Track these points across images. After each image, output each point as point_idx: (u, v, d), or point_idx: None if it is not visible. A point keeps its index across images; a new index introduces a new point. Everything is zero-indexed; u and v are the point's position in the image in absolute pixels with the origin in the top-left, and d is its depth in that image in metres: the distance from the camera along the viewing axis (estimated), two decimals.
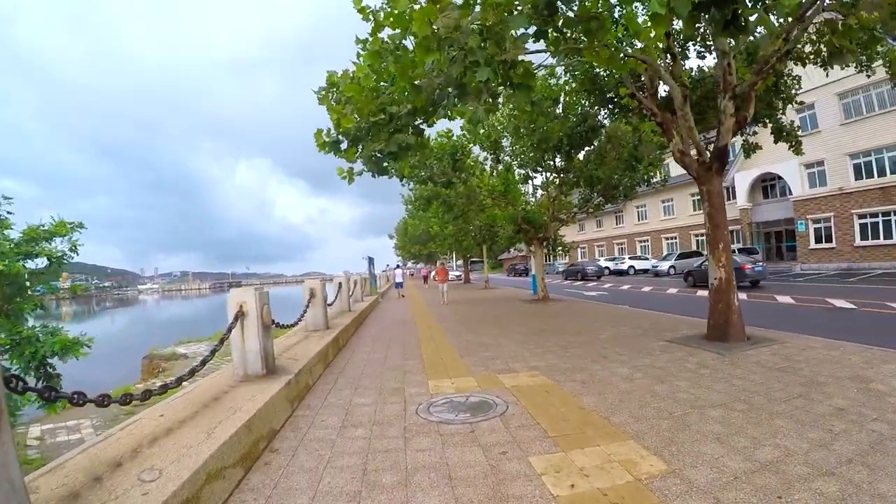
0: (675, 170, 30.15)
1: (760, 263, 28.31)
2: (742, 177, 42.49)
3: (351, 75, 8.81)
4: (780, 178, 39.74)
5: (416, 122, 8.85)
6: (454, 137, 21.73)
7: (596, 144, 20.32)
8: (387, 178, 12.84)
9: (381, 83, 8.65)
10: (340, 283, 16.95)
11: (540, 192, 26.91)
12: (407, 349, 11.72)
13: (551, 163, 22.10)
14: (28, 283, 11.32)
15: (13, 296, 10.82)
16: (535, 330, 13.63)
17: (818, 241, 36.68)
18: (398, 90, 8.09)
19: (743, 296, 12.33)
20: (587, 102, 16.47)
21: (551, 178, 23.93)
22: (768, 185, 42.32)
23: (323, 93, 9.30)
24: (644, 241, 59.35)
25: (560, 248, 27.89)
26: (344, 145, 9.23)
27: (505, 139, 22.16)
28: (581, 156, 21.70)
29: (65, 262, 12.17)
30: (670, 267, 41.63)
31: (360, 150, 9.15)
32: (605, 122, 18.63)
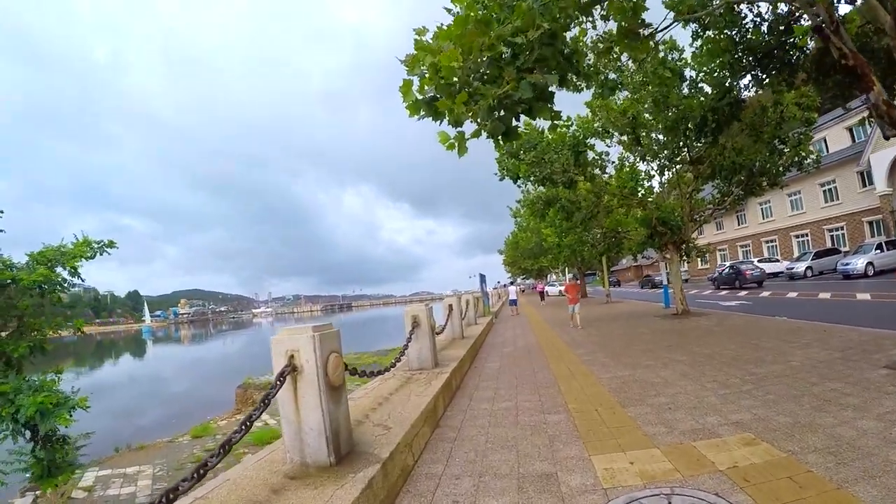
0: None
1: None
2: (879, 158, 36.86)
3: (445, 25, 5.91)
4: None
5: (563, 50, 5.94)
6: (573, 127, 18.83)
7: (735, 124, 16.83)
8: (507, 183, 10.06)
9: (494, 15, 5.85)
10: (451, 306, 14.39)
11: (663, 186, 23.50)
12: (543, 392, 8.86)
13: (685, 151, 19.20)
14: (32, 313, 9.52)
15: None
16: (699, 357, 10.64)
17: None
18: (522, 15, 5.26)
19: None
20: (726, 70, 12.94)
21: (684, 170, 20.61)
22: None
23: (411, 57, 6.30)
24: (771, 241, 53.32)
25: (695, 252, 24.37)
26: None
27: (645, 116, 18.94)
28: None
29: (67, 288, 11.00)
30: (807, 268, 36.96)
31: (475, 103, 5.85)
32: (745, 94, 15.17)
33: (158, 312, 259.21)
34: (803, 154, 19.27)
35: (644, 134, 19.50)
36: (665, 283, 27.65)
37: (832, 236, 44.81)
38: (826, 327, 12.73)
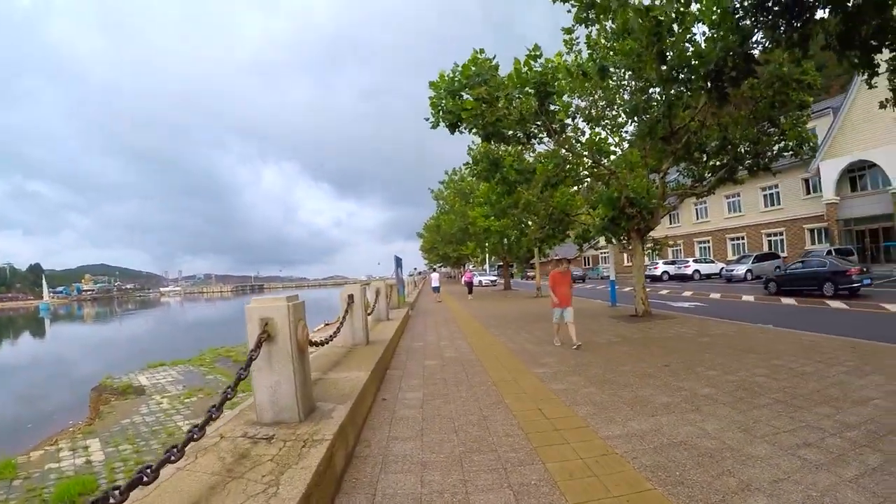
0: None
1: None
2: (828, 166, 36.35)
3: None
4: (872, 166, 34.40)
5: None
6: (542, 59, 14.25)
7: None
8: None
9: None
10: (351, 297, 9.76)
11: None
12: (519, 482, 4.67)
13: (665, 119, 14.93)
14: None
15: None
16: (727, 386, 7.63)
17: None
18: None
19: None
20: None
21: (654, 146, 16.57)
22: (856, 176, 36.39)
23: None
24: (704, 242, 51.95)
25: (653, 244, 20.54)
26: None
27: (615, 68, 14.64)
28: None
29: None
30: (747, 271, 36.50)
31: None
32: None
33: (61, 288, 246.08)
34: (804, 137, 16.48)
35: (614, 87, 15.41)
36: (612, 277, 23.77)
37: (770, 241, 44.29)
38: (853, 343, 10.77)
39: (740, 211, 47.31)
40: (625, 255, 56.87)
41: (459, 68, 13.97)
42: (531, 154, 17.83)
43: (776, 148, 16.80)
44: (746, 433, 5.55)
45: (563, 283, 12.47)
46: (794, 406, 6.43)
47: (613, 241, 18.23)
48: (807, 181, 40.09)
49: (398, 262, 26.40)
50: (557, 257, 13.64)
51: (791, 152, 16.83)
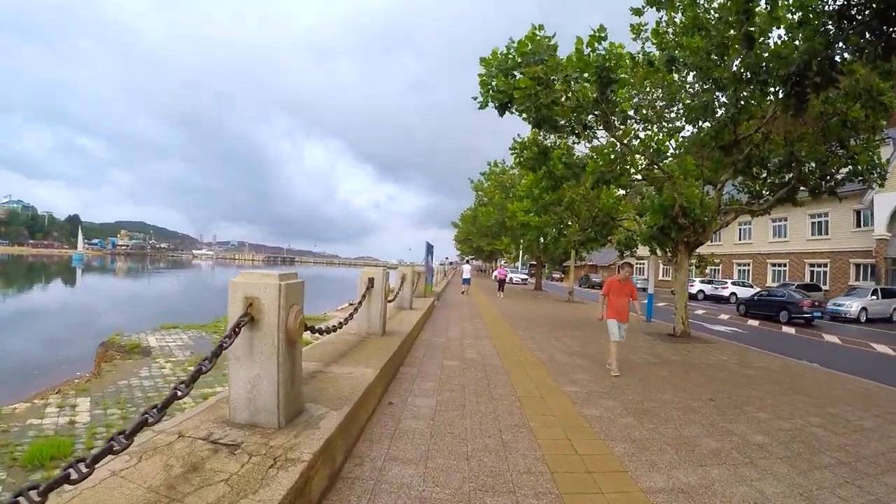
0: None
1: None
2: (884, 199, 34.44)
3: None
4: None
5: None
6: (606, 43, 12.82)
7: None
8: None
9: None
10: (371, 280, 8.79)
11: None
12: None
13: (730, 126, 13.79)
14: None
15: None
16: (781, 436, 6.61)
17: None
18: None
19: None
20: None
21: (711, 155, 15.38)
22: None
23: None
24: (744, 265, 50.09)
25: (698, 260, 19.34)
26: None
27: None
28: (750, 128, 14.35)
29: None
30: None
31: None
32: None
33: (96, 241, 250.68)
34: (876, 162, 15.20)
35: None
36: (650, 291, 22.56)
37: (812, 271, 42.22)
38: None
39: (785, 236, 45.32)
40: (660, 268, 55.51)
41: (515, 45, 12.69)
42: (583, 148, 16.65)
43: (844, 171, 15.52)
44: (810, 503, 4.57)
45: (622, 293, 10.00)
46: (859, 472, 5.48)
47: (658, 252, 17.09)
48: (858, 213, 38.01)
49: (429, 248, 25.11)
50: (623, 261, 12.17)
51: (860, 178, 15.47)
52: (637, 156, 15.85)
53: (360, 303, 8.31)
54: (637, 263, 70.54)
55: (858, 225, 38.25)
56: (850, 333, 21.95)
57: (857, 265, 38.39)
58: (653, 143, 15.28)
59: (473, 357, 10.46)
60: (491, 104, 13.25)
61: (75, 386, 12.14)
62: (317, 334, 5.67)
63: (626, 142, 14.75)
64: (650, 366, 10.96)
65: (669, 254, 16.61)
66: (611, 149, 15.42)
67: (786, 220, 44.17)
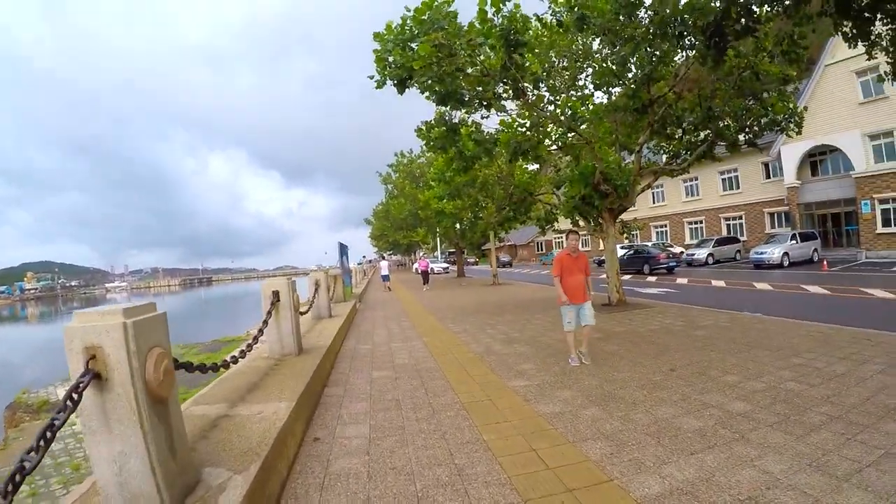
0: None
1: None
2: (790, 150, 36.07)
3: None
4: (833, 150, 34.53)
5: None
6: (511, 3, 11.78)
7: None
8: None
9: None
10: (276, 294, 7.67)
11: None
12: None
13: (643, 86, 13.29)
14: None
15: None
16: (761, 398, 6.08)
17: (886, 224, 31.53)
18: None
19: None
20: None
21: (627, 118, 14.72)
22: (817, 161, 36.28)
23: None
24: (661, 226, 51.02)
25: (623, 227, 18.82)
26: None
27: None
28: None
29: None
30: (709, 255, 36.03)
31: None
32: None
33: (2, 288, 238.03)
34: (793, 111, 14.90)
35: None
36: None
37: (729, 225, 43.86)
38: (868, 334, 9.49)
39: (698, 195, 46.70)
40: (582, 240, 55.79)
41: (411, 13, 11.61)
42: (492, 124, 15.83)
43: (762, 121, 15.11)
44: (825, 474, 4.04)
45: (575, 270, 8.37)
46: (855, 424, 5.05)
47: (581, 222, 16.45)
48: (766, 165, 39.83)
49: (342, 249, 23.45)
50: (568, 230, 9.25)
51: (778, 128, 15.20)
52: (551, 125, 14.97)
53: (265, 321, 7.09)
54: (556, 238, 70.84)
55: (768, 176, 40.19)
56: (778, 279, 22.21)
57: (771, 214, 40.08)
58: (567, 108, 14.43)
59: (405, 362, 9.40)
60: (389, 82, 12.11)
61: None
62: (214, 369, 4.58)
63: (540, 106, 13.80)
64: (596, 342, 10.13)
65: (593, 223, 15.96)
66: (527, 114, 14.47)
67: (697, 179, 45.67)
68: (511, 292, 24.47)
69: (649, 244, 37.91)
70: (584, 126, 14.73)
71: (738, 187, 42.70)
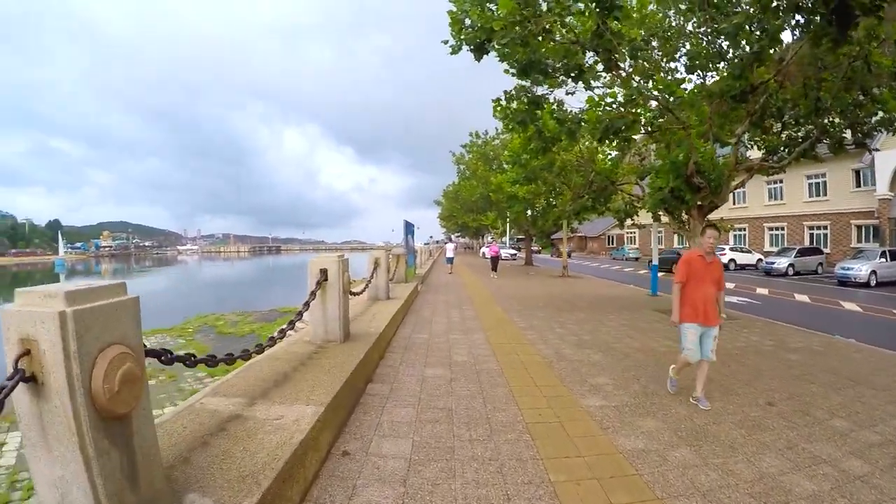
0: None
1: None
2: (884, 157, 31.98)
3: None
4: None
5: None
6: None
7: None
8: None
9: None
10: (323, 272, 6.79)
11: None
12: None
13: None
14: None
15: None
16: (880, 456, 4.92)
17: None
18: None
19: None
20: None
21: (724, 105, 13.22)
22: None
23: None
24: (740, 229, 48.02)
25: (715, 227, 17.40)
26: None
27: None
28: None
29: None
30: (789, 265, 33.01)
31: None
32: None
33: (79, 244, 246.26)
34: None
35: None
36: (654, 262, 20.61)
37: (812, 234, 40.49)
38: None
39: (781, 199, 43.41)
40: (652, 237, 54.01)
41: None
42: (576, 103, 14.60)
43: (873, 120, 13.48)
44: None
45: (707, 279, 6.26)
46: None
47: (663, 219, 15.18)
48: (858, 172, 36.37)
49: (408, 227, 22.26)
50: (705, 224, 6.66)
51: (892, 129, 13.50)
52: (647, 103, 13.54)
53: (306, 303, 6.17)
54: (627, 232, 68.79)
55: (858, 185, 36.64)
56: (866, 300, 20.31)
57: (859, 226, 36.79)
58: (662, 88, 12.96)
59: (463, 360, 8.37)
60: (465, 48, 10.89)
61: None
62: (208, 363, 3.68)
63: (637, 80, 12.35)
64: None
65: (679, 220, 14.66)
66: (623, 88, 13.03)
67: (782, 181, 42.44)
68: (581, 287, 23.31)
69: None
70: (680, 112, 13.32)
71: (825, 194, 39.27)
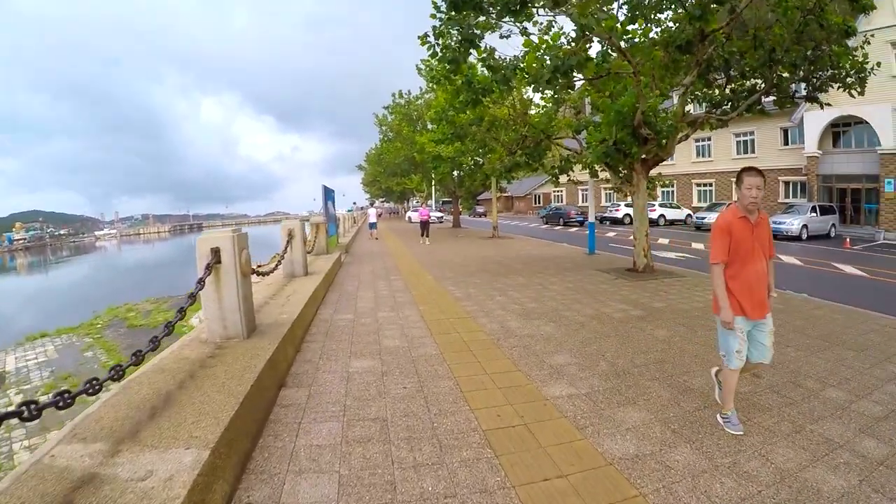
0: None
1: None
2: (814, 118, 33.11)
3: None
4: (859, 122, 31.93)
5: None
6: None
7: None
8: None
9: None
10: (215, 252, 5.35)
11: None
12: None
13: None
14: None
15: None
16: (891, 430, 4.34)
17: None
18: None
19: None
20: None
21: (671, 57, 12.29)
22: (841, 132, 34.06)
23: None
24: (668, 186, 48.39)
25: (652, 182, 16.43)
26: None
27: None
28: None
29: None
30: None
31: None
32: None
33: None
34: (861, 65, 12.91)
35: None
36: (591, 220, 19.73)
37: None
38: None
39: (709, 156, 44.82)
40: (590, 194, 54.06)
41: None
42: (508, 52, 13.43)
43: (825, 75, 13.12)
44: None
45: (756, 248, 4.20)
46: None
47: (606, 174, 14.34)
48: (785, 131, 37.76)
49: (327, 194, 20.72)
50: (745, 167, 4.24)
51: (840, 84, 13.16)
52: (596, 41, 12.27)
53: (190, 295, 4.69)
54: (555, 192, 68.53)
55: (786, 143, 38.18)
56: (802, 253, 20.91)
57: (787, 183, 38.31)
58: (617, 26, 11.64)
59: (395, 344, 7.08)
60: None
61: None
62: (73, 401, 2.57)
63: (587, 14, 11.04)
64: (636, 321, 8.18)
65: (619, 174, 13.79)
66: (583, 16, 11.51)
67: (709, 139, 43.66)
68: (515, 248, 22.58)
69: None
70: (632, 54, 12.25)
71: (753, 151, 40.36)
